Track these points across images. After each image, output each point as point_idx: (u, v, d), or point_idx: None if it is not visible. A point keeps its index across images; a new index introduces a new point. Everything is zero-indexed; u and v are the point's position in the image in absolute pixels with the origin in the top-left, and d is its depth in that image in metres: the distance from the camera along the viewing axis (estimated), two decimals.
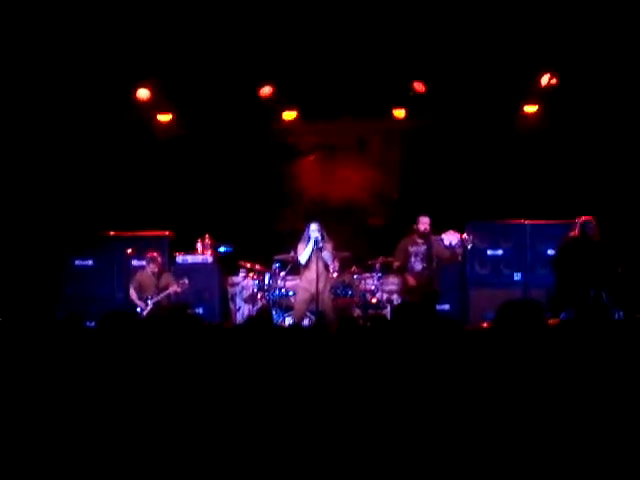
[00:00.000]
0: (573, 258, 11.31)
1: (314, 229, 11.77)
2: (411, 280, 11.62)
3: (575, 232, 11.51)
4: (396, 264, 11.94)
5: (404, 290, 11.91)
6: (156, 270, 12.34)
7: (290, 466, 3.82)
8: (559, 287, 11.45)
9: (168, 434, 4.00)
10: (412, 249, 11.69)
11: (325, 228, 11.96)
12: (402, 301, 12.20)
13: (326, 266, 11.97)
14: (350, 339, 5.23)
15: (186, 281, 12.30)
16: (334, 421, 4.00)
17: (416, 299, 11.41)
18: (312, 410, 4.11)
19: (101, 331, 5.32)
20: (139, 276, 12.43)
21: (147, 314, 12.06)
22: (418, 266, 11.65)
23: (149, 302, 12.16)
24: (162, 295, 12.20)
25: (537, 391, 3.91)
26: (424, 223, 11.70)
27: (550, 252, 12.86)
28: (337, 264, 12.96)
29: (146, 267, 12.48)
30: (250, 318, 6.00)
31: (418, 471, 3.73)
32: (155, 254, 12.44)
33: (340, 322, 5.97)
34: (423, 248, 11.65)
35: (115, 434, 4.02)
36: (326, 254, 11.79)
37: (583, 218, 11.52)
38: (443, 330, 4.78)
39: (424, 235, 11.67)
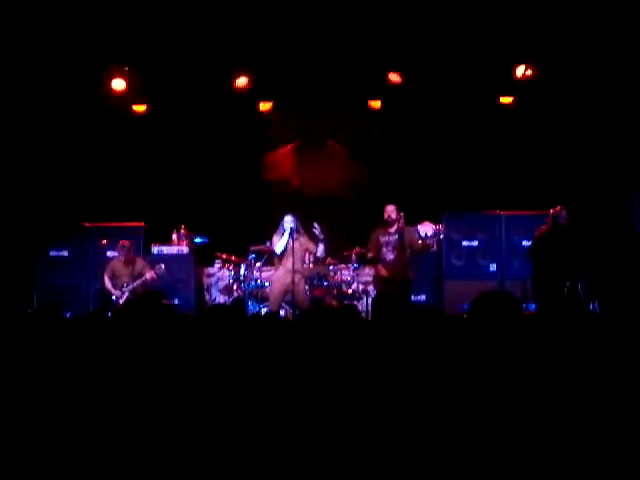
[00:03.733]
0: (547, 249, 11.39)
1: (288, 220, 11.82)
2: (382, 270, 11.65)
3: (548, 224, 11.58)
4: (369, 255, 11.98)
5: (377, 280, 11.94)
6: (127, 258, 12.30)
7: (274, 460, 3.83)
8: (535, 278, 11.53)
9: (149, 426, 4.00)
10: (383, 239, 11.71)
11: (300, 219, 12.00)
12: (376, 292, 12.23)
13: (302, 258, 12.00)
14: (325, 328, 5.23)
15: (162, 266, 12.29)
16: (316, 412, 4.01)
17: (390, 289, 11.46)
18: (290, 402, 4.11)
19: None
20: (112, 264, 12.42)
21: (123, 302, 12.02)
22: (389, 256, 11.66)
23: (125, 290, 12.13)
24: (138, 282, 12.18)
25: (513, 383, 3.93)
26: (387, 212, 11.73)
27: (525, 243, 12.96)
28: (312, 255, 12.96)
29: (118, 255, 12.46)
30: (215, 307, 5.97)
31: (399, 464, 3.74)
32: (126, 243, 12.40)
33: (315, 311, 5.96)
34: (394, 238, 11.66)
35: (94, 426, 4.01)
36: (319, 247, 11.79)
37: (556, 209, 11.60)
38: (421, 319, 4.81)
39: (390, 223, 11.69)
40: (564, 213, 11.50)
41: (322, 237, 11.81)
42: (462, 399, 3.87)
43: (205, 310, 5.95)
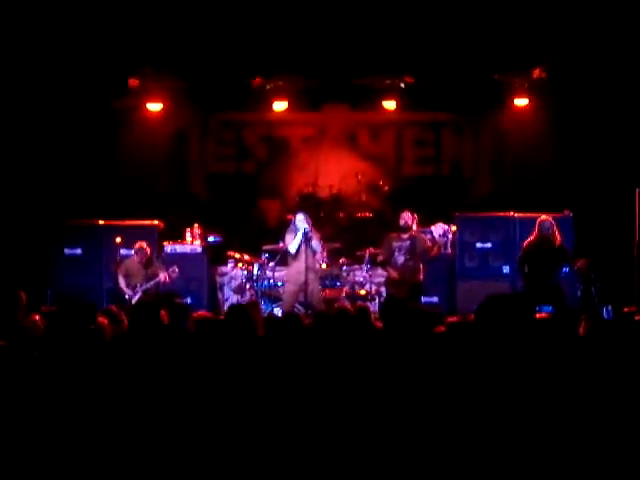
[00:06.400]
0: (533, 260, 11.51)
1: (300, 219, 11.80)
2: (393, 273, 11.74)
3: (534, 235, 11.73)
4: (380, 258, 12.09)
5: (388, 282, 12.03)
6: (144, 259, 12.31)
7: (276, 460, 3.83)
8: (527, 286, 11.59)
9: (159, 425, 4.01)
10: (396, 244, 11.81)
11: (312, 219, 12.00)
12: (387, 293, 12.28)
13: (315, 257, 11.99)
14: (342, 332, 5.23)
15: (176, 269, 12.29)
16: (322, 415, 4.01)
17: (400, 291, 11.50)
18: (297, 404, 4.12)
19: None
20: (127, 263, 12.39)
21: (136, 302, 12.03)
22: (400, 259, 11.75)
23: (138, 290, 12.13)
24: (151, 283, 12.17)
25: (519, 385, 3.92)
26: (403, 218, 11.83)
27: None
28: (326, 255, 12.97)
29: (134, 256, 12.45)
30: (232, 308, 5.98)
31: (401, 462, 3.74)
32: (143, 245, 12.39)
33: (335, 314, 5.96)
34: (407, 243, 11.76)
35: (105, 421, 4.02)
36: (315, 243, 11.82)
37: (540, 218, 11.74)
38: (426, 322, 4.81)
39: (405, 229, 11.77)
40: (547, 224, 11.60)
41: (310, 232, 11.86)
42: (468, 400, 3.88)
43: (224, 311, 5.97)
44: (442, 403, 3.94)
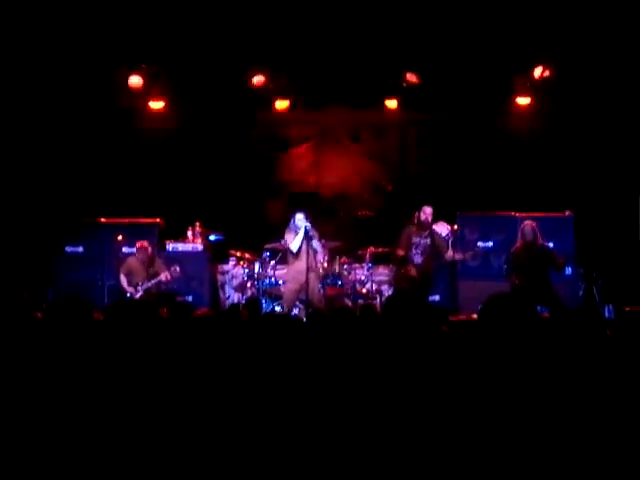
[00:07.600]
0: (520, 266, 11.44)
1: (301, 218, 11.78)
2: (413, 271, 11.45)
3: (519, 241, 11.69)
4: (400, 253, 11.65)
5: (404, 280, 11.72)
6: (146, 259, 12.30)
7: (278, 458, 3.83)
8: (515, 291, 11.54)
9: (159, 423, 4.00)
10: (415, 240, 11.54)
11: (313, 218, 11.99)
12: (397, 291, 12.16)
13: (315, 256, 11.97)
14: (344, 329, 5.22)
15: (177, 268, 12.28)
16: (323, 412, 4.01)
17: (410, 289, 11.37)
18: (300, 400, 4.11)
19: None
20: (129, 262, 12.38)
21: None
22: (418, 259, 11.48)
23: (139, 288, 12.13)
24: (152, 282, 12.16)
25: (521, 385, 3.92)
26: (425, 213, 11.58)
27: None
28: (327, 254, 12.96)
29: (136, 255, 12.45)
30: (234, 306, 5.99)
31: (404, 462, 3.74)
32: (145, 244, 12.39)
33: (334, 312, 5.95)
34: (425, 241, 11.52)
35: (103, 422, 4.02)
36: (315, 242, 11.81)
37: (523, 224, 11.69)
38: (431, 319, 4.81)
39: (425, 226, 11.57)
40: (528, 229, 11.52)
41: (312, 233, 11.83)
42: (472, 401, 3.87)
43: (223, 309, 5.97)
44: (444, 402, 3.94)
